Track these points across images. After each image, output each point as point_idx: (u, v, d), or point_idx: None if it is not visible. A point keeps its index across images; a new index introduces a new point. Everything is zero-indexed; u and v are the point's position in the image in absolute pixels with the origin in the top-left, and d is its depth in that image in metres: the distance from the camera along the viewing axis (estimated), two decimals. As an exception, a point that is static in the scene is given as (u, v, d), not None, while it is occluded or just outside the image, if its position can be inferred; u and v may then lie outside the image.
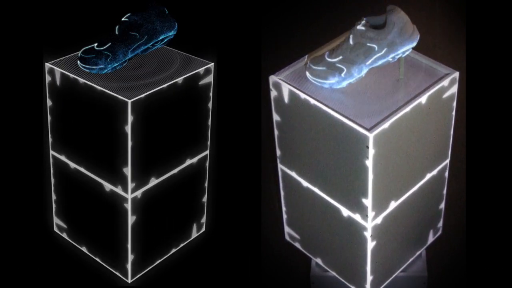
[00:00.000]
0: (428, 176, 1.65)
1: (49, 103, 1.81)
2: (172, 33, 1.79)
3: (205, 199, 2.01)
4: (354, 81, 1.53)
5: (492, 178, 1.57)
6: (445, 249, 2.03)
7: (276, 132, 1.66)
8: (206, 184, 1.99)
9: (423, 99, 1.49)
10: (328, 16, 3.35)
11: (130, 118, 1.61)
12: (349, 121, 1.43)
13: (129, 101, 1.60)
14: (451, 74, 1.57)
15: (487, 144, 1.58)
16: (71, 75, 1.70)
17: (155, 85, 1.68)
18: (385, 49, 1.50)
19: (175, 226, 1.93)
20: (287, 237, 1.84)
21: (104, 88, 1.64)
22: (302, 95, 1.51)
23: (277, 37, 3.17)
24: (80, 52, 1.72)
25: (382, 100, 1.50)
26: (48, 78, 1.77)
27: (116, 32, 1.71)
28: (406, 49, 1.52)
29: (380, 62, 1.52)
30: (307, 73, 1.55)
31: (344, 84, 1.53)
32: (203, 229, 2.06)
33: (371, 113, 1.46)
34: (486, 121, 1.59)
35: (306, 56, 1.64)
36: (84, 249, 1.94)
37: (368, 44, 1.49)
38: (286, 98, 1.56)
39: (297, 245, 1.82)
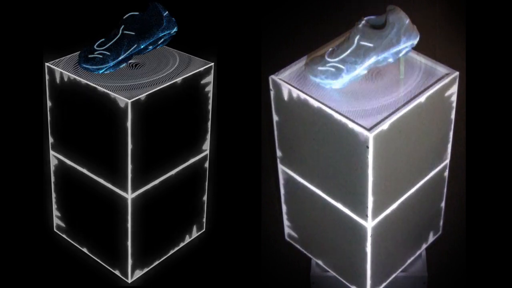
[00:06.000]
0: (428, 176, 1.65)
1: (49, 103, 1.81)
2: (172, 32, 1.79)
3: (205, 199, 2.01)
4: (354, 81, 1.53)
5: (492, 178, 1.57)
6: (445, 249, 2.03)
7: (276, 132, 1.66)
8: (206, 184, 1.99)
9: (423, 99, 1.49)
10: (328, 16, 3.35)
11: (130, 118, 1.61)
12: (349, 121, 1.43)
13: (129, 101, 1.60)
14: (451, 74, 1.57)
15: (487, 144, 1.58)
16: (71, 75, 1.70)
17: (155, 85, 1.68)
18: (385, 49, 1.50)
19: (175, 226, 1.93)
20: (287, 237, 1.84)
21: (104, 88, 1.64)
22: (302, 95, 1.51)
23: (277, 37, 3.18)
24: (79, 52, 1.72)
25: (382, 100, 1.50)
26: (48, 78, 1.77)
27: (116, 32, 1.71)
28: (406, 49, 1.52)
29: (380, 62, 1.52)
30: (308, 73, 1.55)
31: (344, 84, 1.53)
32: (203, 229, 2.06)
33: (371, 113, 1.46)
34: (486, 121, 1.59)
35: (306, 56, 1.64)
36: (84, 249, 1.94)
37: (368, 44, 1.49)
38: (286, 98, 1.56)
39: (297, 245, 1.82)
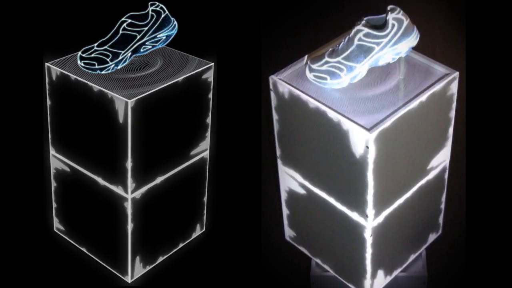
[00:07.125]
0: (428, 176, 1.65)
1: (49, 102, 1.81)
2: (172, 32, 1.79)
3: (205, 199, 2.01)
4: (354, 81, 1.53)
5: (492, 178, 1.57)
6: (445, 249, 2.03)
7: (276, 132, 1.66)
8: (206, 184, 1.99)
9: (423, 99, 1.49)
10: (328, 16, 3.35)
11: (130, 118, 1.61)
12: (349, 121, 1.43)
13: (129, 101, 1.60)
14: (451, 74, 1.57)
15: (487, 144, 1.58)
16: (71, 75, 1.70)
17: (155, 85, 1.68)
18: (385, 49, 1.50)
19: (175, 226, 1.93)
20: (287, 237, 1.84)
21: (104, 88, 1.64)
22: (302, 95, 1.51)
23: (277, 37, 3.18)
24: (80, 52, 1.72)
25: (382, 100, 1.50)
26: (48, 78, 1.77)
27: (117, 32, 1.72)
28: (406, 49, 1.52)
29: (380, 62, 1.52)
30: (308, 73, 1.55)
31: (344, 84, 1.53)
32: (203, 229, 2.06)
33: (371, 113, 1.46)
34: (486, 121, 1.59)
35: (306, 56, 1.64)
36: (84, 249, 1.94)
37: (368, 44, 1.49)
38: (286, 98, 1.56)
39: (297, 245, 1.82)
